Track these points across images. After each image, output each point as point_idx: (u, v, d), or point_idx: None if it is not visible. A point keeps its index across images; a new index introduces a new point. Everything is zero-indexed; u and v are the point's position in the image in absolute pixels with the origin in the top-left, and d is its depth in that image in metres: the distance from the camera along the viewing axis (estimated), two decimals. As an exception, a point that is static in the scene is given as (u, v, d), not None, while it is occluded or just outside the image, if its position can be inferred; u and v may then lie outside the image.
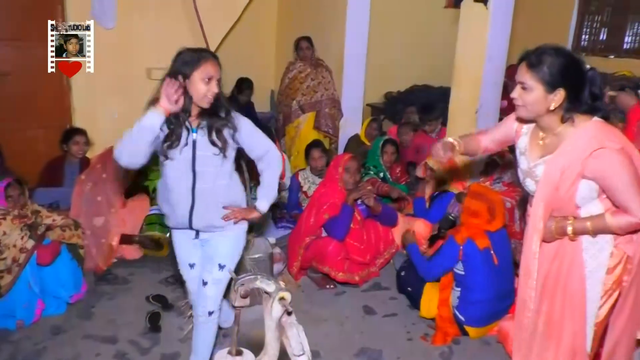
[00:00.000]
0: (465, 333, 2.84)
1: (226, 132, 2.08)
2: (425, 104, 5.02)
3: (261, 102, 6.35)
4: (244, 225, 2.28)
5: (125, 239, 3.56)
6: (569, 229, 1.82)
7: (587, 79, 1.75)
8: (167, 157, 2.04)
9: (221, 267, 2.21)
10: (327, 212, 3.29)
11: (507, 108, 6.21)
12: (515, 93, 1.78)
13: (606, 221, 1.77)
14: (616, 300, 1.90)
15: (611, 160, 1.71)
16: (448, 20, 6.31)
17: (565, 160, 1.77)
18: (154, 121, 1.92)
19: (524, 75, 1.74)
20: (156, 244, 3.62)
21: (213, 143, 2.04)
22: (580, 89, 1.74)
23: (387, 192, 4.03)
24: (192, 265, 2.32)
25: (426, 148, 4.82)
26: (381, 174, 4.23)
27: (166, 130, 2.01)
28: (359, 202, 3.42)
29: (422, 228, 3.52)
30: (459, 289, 2.83)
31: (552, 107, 1.74)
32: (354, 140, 4.94)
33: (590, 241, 1.84)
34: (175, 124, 2.01)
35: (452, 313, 2.82)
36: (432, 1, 6.63)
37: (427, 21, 6.53)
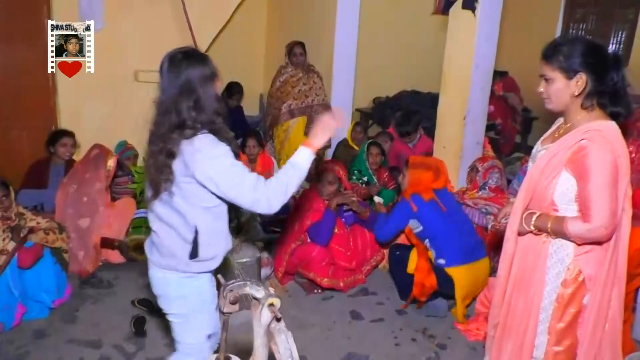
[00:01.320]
0: (447, 286, 2.98)
1: None
2: (401, 119, 4.99)
3: (250, 106, 6.34)
4: None
5: (106, 243, 3.51)
6: (532, 220, 1.86)
7: (609, 60, 1.77)
8: None
9: None
10: (310, 218, 3.29)
11: (493, 113, 6.30)
12: (541, 87, 1.83)
13: (564, 223, 1.77)
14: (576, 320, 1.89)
15: (597, 155, 1.71)
16: (436, 26, 6.36)
17: (558, 147, 1.80)
18: (309, 163, 1.81)
19: (543, 68, 1.80)
20: (141, 248, 3.58)
21: None
22: (602, 71, 1.75)
23: (366, 193, 4.04)
24: None
25: (405, 154, 4.84)
26: (365, 178, 4.24)
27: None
28: (345, 207, 3.43)
29: None
30: (427, 240, 3.06)
31: (576, 93, 1.77)
32: (342, 144, 4.96)
33: (555, 249, 1.87)
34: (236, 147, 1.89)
35: (434, 268, 3.00)
36: (421, 8, 6.67)
37: (415, 27, 6.59)
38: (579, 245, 1.81)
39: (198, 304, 1.91)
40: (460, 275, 2.97)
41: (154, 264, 1.90)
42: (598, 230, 1.73)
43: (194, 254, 1.79)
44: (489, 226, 3.39)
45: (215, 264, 1.88)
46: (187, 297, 1.89)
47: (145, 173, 1.79)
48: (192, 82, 1.72)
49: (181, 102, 1.71)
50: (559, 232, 1.80)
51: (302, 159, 1.78)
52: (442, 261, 2.98)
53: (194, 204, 1.77)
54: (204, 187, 1.73)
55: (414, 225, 3.08)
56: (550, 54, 1.78)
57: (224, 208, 1.87)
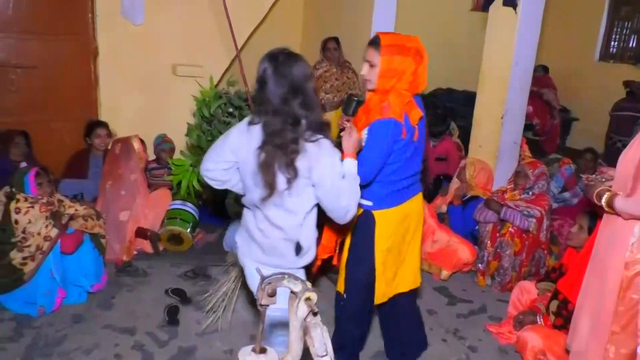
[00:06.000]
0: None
1: None
2: (435, 119, 4.81)
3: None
4: None
5: (141, 232, 3.60)
6: (596, 190, 2.01)
7: None
8: None
9: None
10: None
11: (532, 113, 6.16)
12: None
13: (615, 197, 1.91)
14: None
15: None
16: (474, 23, 6.26)
17: None
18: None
19: None
20: (176, 239, 3.66)
21: None
22: None
23: None
24: None
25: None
26: None
27: None
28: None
29: (467, 254, 3.54)
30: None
31: None
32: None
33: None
34: None
35: None
36: (458, 4, 6.59)
37: (452, 24, 6.48)
38: (625, 219, 1.90)
39: None
40: (382, 218, 2.27)
41: (257, 261, 1.91)
42: (635, 205, 1.84)
43: (298, 251, 1.88)
44: (530, 228, 3.32)
45: (313, 255, 1.98)
46: None
47: (262, 173, 1.79)
48: (299, 81, 1.77)
49: (291, 101, 1.75)
50: (611, 205, 1.93)
51: (348, 167, 1.90)
52: (368, 202, 2.25)
53: (304, 204, 1.83)
54: (311, 187, 1.82)
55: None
56: None
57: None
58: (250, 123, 1.84)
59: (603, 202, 1.96)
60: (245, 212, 2.00)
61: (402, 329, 2.57)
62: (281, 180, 1.77)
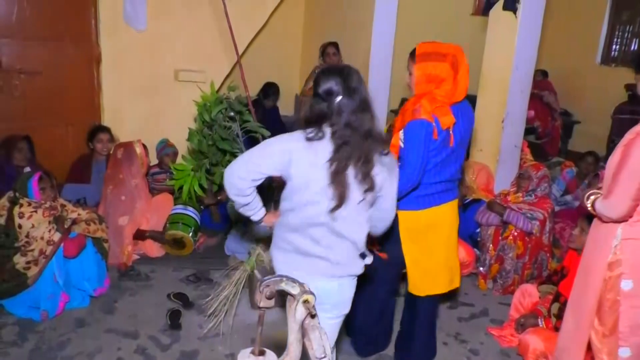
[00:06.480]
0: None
1: None
2: None
3: (286, 107, 6.39)
4: None
5: (139, 235, 3.62)
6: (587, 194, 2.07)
7: None
8: None
9: None
10: None
11: (534, 117, 6.16)
12: None
13: (596, 199, 1.97)
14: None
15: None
16: (474, 27, 6.27)
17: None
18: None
19: None
20: (178, 243, 3.68)
21: None
22: None
23: None
24: None
25: None
26: None
27: None
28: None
29: (462, 254, 3.53)
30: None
31: None
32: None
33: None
34: None
35: None
36: (459, 8, 6.60)
37: (453, 28, 6.48)
38: (603, 222, 1.96)
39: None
40: (407, 219, 2.34)
41: (327, 276, 1.84)
42: (609, 207, 1.89)
43: (362, 255, 1.90)
44: (534, 231, 3.32)
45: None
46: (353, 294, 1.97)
47: (333, 183, 1.72)
48: (367, 96, 1.80)
49: (363, 115, 1.75)
50: (594, 207, 1.99)
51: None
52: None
53: (366, 213, 1.84)
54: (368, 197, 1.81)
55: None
56: None
57: None
58: (310, 139, 1.75)
59: (589, 204, 2.00)
60: (287, 234, 1.88)
61: (421, 331, 2.59)
62: (356, 192, 1.74)
